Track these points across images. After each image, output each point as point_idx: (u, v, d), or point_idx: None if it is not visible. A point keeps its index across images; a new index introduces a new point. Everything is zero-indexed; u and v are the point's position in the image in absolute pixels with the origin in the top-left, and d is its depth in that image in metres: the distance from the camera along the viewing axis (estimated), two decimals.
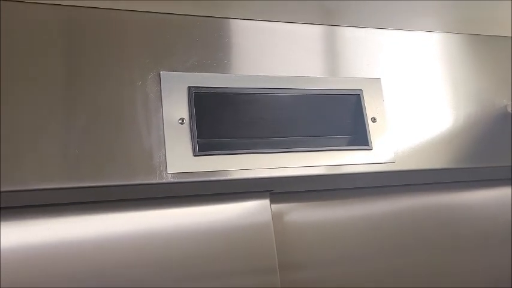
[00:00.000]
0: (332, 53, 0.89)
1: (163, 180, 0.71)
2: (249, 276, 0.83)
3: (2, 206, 0.70)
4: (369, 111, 0.86)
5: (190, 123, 0.75)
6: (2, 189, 0.63)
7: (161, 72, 0.75)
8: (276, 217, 0.88)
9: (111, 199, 0.77)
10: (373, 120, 0.86)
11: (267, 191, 0.87)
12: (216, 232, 0.82)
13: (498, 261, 1.06)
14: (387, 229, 0.98)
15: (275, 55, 0.84)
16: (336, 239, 0.94)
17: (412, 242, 0.99)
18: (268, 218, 0.86)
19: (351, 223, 0.95)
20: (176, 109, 0.75)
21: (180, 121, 0.74)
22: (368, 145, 0.84)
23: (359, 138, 0.85)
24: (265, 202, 0.87)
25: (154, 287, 0.77)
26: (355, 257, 0.94)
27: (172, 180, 0.71)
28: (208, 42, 0.80)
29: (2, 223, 0.71)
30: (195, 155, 0.73)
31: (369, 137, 0.84)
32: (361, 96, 0.86)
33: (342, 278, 0.92)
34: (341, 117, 0.87)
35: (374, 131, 0.86)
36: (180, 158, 0.73)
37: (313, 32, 0.88)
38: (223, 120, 0.80)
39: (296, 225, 0.91)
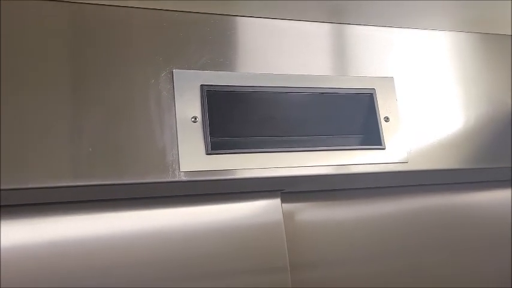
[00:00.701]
0: (344, 51, 0.88)
1: (176, 179, 0.71)
2: (260, 275, 0.83)
3: (8, 203, 0.70)
4: (382, 110, 0.86)
5: (203, 121, 0.74)
6: (12, 187, 0.63)
7: (174, 70, 0.75)
8: (287, 216, 0.88)
9: (124, 197, 0.77)
10: (386, 119, 0.85)
11: (279, 190, 0.87)
12: (227, 231, 0.82)
13: (500, 261, 1.05)
14: (398, 229, 0.98)
15: (287, 53, 0.83)
16: (347, 238, 0.93)
17: (423, 242, 0.99)
18: (279, 217, 0.86)
19: (362, 223, 0.95)
20: (189, 107, 0.74)
21: (192, 119, 0.74)
22: (381, 145, 0.83)
23: (372, 138, 0.85)
24: (277, 201, 0.86)
25: (165, 285, 0.77)
26: (366, 257, 0.94)
27: (185, 178, 0.71)
28: (221, 40, 0.79)
29: (6, 221, 0.71)
30: (207, 154, 0.73)
31: (381, 137, 0.84)
32: (373, 95, 0.86)
33: (352, 278, 0.92)
34: (353, 116, 0.86)
35: (387, 130, 0.85)
36: (193, 157, 0.72)
37: (325, 30, 0.88)
38: (236, 118, 0.80)
39: (307, 225, 0.91)
